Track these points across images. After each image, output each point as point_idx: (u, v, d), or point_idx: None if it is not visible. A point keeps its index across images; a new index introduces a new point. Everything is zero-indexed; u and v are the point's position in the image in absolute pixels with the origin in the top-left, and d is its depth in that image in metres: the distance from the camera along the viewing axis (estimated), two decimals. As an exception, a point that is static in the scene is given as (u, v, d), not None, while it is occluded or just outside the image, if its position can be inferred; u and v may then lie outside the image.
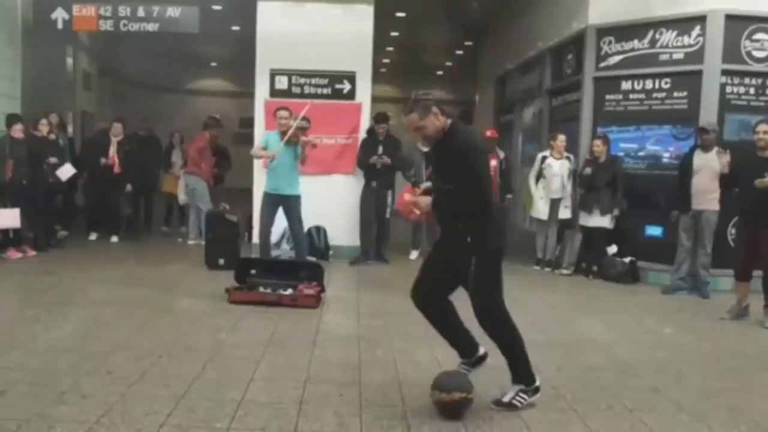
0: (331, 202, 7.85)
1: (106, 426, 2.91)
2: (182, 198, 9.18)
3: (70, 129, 10.03)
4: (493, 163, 7.93)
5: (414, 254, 8.06)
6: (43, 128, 7.78)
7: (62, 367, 3.67)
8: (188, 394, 3.33)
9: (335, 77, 8.13)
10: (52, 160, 7.73)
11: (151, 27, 7.83)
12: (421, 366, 3.91)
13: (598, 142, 7.08)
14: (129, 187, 8.88)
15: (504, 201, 8.07)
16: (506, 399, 3.28)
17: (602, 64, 7.47)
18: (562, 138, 7.46)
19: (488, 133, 8.23)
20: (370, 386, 3.56)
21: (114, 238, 8.72)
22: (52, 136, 8.04)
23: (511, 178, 8.37)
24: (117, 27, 7.85)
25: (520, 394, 3.30)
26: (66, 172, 8.04)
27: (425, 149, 7.88)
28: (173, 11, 7.77)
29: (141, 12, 7.79)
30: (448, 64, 18.08)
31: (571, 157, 7.44)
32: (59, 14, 7.93)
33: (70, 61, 12.02)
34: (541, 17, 9.38)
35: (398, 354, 4.18)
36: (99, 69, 13.88)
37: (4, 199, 7.25)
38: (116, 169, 8.50)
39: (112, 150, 8.54)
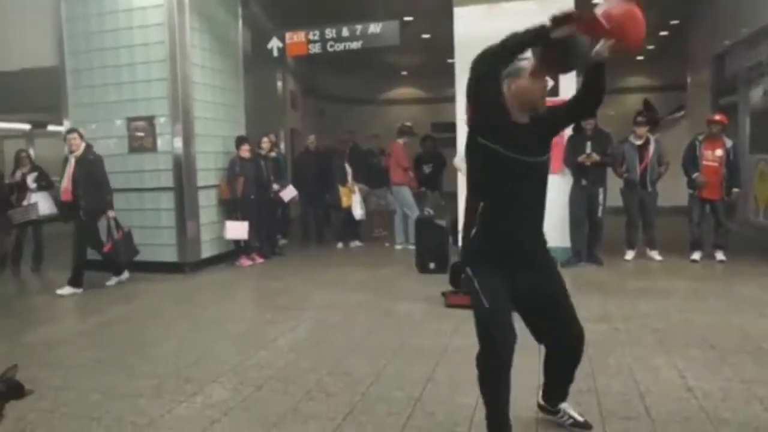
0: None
1: (353, 424, 3.07)
2: (358, 213, 9.29)
3: (282, 146, 11.04)
4: (719, 152, 7.17)
5: (630, 254, 7.50)
6: (265, 146, 8.63)
7: (304, 367, 3.96)
8: (423, 397, 3.39)
9: (537, 74, 7.86)
10: (276, 187, 8.57)
11: (355, 45, 8.21)
12: (661, 375, 3.61)
13: None
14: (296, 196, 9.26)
15: (730, 195, 7.24)
16: (582, 419, 3.02)
17: None
18: None
19: (717, 117, 7.38)
20: (608, 395, 3.35)
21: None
22: (273, 154, 8.88)
23: (740, 169, 7.39)
24: (324, 48, 8.35)
25: None
26: (289, 193, 8.96)
27: (638, 142, 7.37)
28: (375, 27, 8.08)
29: (345, 32, 8.20)
30: (651, 47, 16.69)
31: None
32: (274, 43, 8.66)
33: (279, 84, 13.20)
34: (768, -18, 8.26)
35: (633, 362, 3.89)
36: (302, 89, 15.06)
37: (235, 212, 8.10)
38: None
39: None
